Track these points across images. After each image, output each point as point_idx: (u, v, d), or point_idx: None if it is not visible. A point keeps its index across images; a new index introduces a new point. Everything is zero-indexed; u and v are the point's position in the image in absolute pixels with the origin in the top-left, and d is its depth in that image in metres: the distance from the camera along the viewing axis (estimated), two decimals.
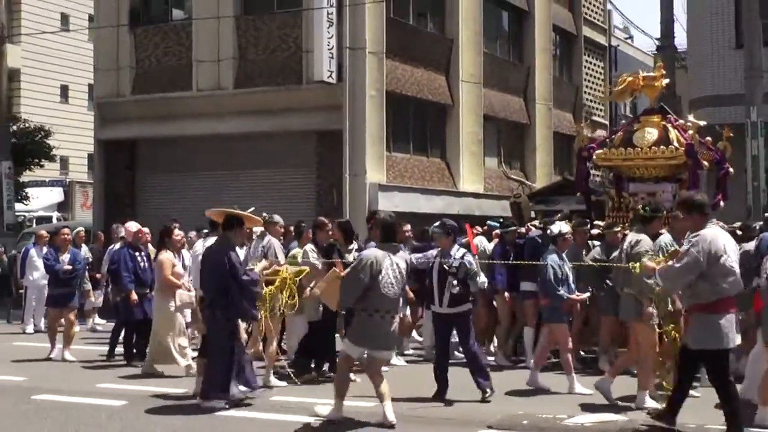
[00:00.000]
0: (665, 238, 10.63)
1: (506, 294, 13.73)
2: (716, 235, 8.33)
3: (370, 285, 9.12)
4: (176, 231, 13.47)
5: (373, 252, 9.37)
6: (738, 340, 8.91)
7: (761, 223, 13.48)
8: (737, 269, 8.34)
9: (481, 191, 29.27)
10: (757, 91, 18.55)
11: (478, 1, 29.71)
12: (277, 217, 12.88)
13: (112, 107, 28.14)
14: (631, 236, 10.44)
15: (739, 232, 12.49)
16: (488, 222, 16.25)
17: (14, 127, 29.73)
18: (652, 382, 10.16)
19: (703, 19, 22.12)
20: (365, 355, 9.33)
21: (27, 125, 30.92)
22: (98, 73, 28.58)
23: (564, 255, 11.50)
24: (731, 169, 14.92)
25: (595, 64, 39.25)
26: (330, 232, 12.68)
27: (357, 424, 9.07)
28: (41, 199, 38.75)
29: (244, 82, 26.15)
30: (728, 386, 8.30)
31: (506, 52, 32.95)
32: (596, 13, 40.04)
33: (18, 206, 29.93)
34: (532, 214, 23.94)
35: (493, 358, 13.55)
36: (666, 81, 15.36)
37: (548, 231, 12.16)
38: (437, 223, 11.26)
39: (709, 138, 15.17)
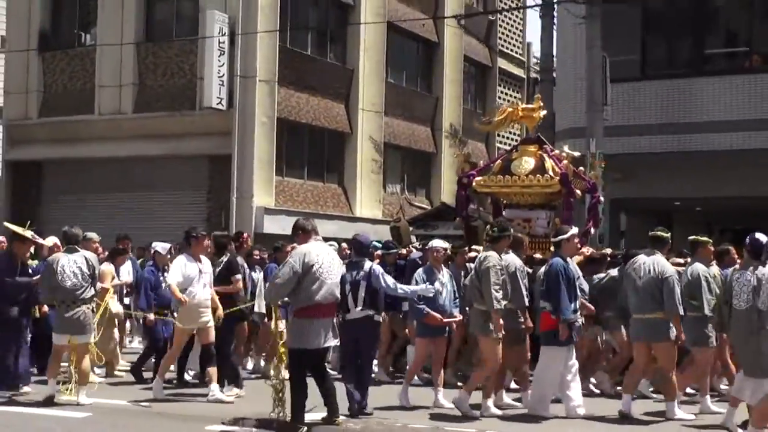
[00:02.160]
0: (514, 258, 11.35)
1: (383, 314, 13.28)
2: (310, 249, 9.60)
3: None
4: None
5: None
6: (331, 342, 9.87)
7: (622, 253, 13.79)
8: (331, 279, 9.61)
9: (379, 217, 30.25)
10: (597, 124, 19.64)
11: (382, 33, 30.81)
12: (91, 234, 13.81)
13: (19, 129, 29.09)
14: (481, 254, 11.07)
15: (608, 258, 13.24)
16: (373, 243, 16.79)
17: None
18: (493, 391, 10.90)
19: (566, 52, 23.29)
20: None
21: None
22: (8, 96, 29.54)
23: (442, 272, 11.68)
24: (602, 197, 15.65)
25: (511, 95, 40.42)
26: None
27: None
28: None
29: (143, 107, 27.18)
30: (324, 381, 9.66)
31: (414, 82, 34.08)
32: (514, 45, 41.29)
33: None
34: (413, 239, 24.93)
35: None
36: (544, 112, 15.95)
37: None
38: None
39: (581, 168, 15.98)
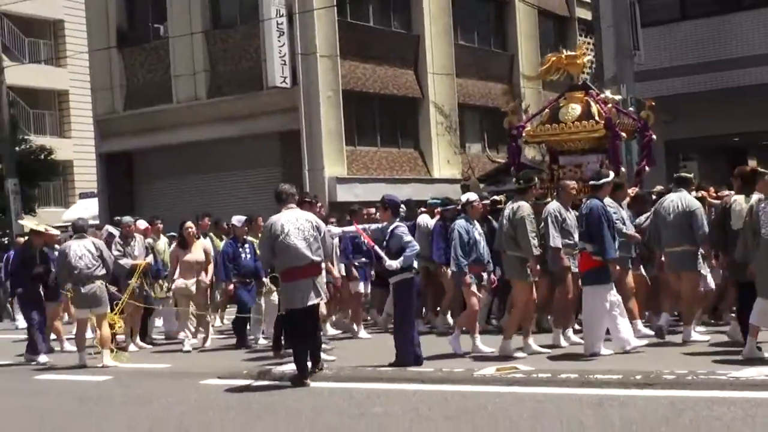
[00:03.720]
0: (553, 205, 12.04)
1: (444, 268, 14.07)
2: (275, 220, 10.31)
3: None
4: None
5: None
6: (314, 300, 10.32)
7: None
8: (301, 244, 10.13)
9: (457, 176, 30.87)
10: (627, 69, 19.79)
11: None
12: (126, 219, 15.01)
13: (108, 123, 30.84)
14: (512, 204, 11.58)
15: (653, 197, 13.50)
16: (429, 201, 17.00)
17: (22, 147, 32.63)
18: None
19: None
20: None
21: (29, 146, 33.86)
22: (95, 93, 31.33)
23: (475, 222, 12.05)
24: (654, 136, 15.59)
25: (593, 44, 40.18)
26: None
27: None
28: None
29: (215, 92, 28.50)
30: (314, 338, 10.43)
31: (486, 41, 34.43)
32: None
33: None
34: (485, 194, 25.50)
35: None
36: (588, 58, 16.30)
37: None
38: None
39: (631, 108, 16.24)
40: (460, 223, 11.78)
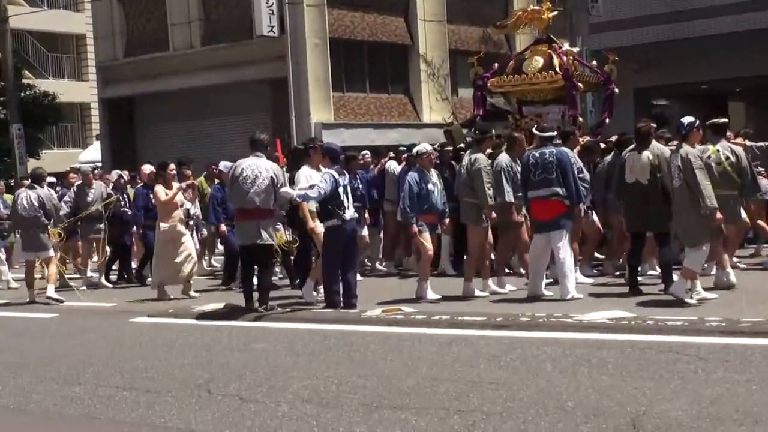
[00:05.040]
0: (504, 158, 12.65)
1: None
2: (239, 164, 11.50)
3: None
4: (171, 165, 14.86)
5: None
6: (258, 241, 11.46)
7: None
8: (252, 189, 11.30)
9: (449, 121, 31.67)
10: (582, 22, 20.63)
11: None
12: (85, 168, 16.32)
13: (110, 70, 32.03)
14: (471, 155, 12.26)
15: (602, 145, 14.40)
16: (399, 147, 18.13)
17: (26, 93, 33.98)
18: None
19: None
20: None
21: (34, 91, 35.17)
22: (97, 41, 32.49)
23: (432, 171, 12.39)
24: (616, 89, 16.52)
25: None
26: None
27: None
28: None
29: (209, 40, 29.55)
30: (262, 276, 11.66)
31: None
32: None
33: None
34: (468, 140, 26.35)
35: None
36: (554, 13, 16.91)
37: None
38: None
39: (594, 62, 17.18)
40: (411, 174, 12.22)
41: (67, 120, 46.33)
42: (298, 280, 13.30)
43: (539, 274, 11.78)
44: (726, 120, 12.67)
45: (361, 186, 13.88)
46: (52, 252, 13.97)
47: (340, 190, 11.23)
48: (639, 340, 8.52)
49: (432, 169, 12.34)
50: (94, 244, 16.08)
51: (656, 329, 8.94)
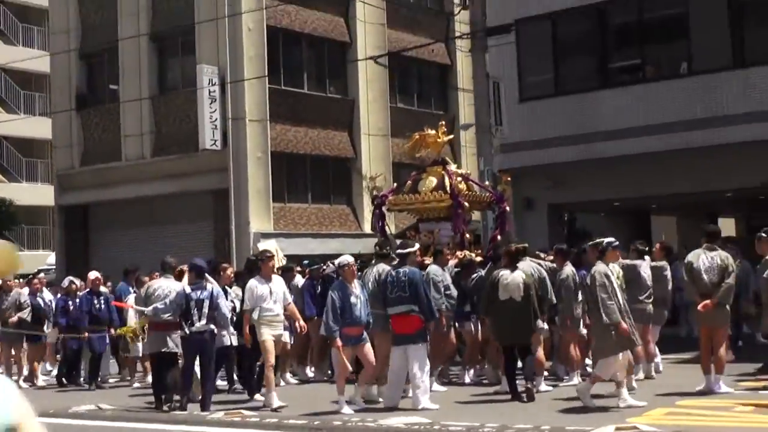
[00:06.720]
0: (433, 268, 14.04)
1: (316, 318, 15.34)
2: (151, 284, 13.70)
3: None
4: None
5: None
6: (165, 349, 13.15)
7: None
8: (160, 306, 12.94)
9: (394, 231, 33.09)
10: (485, 144, 22.09)
11: (384, 73, 33.79)
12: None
13: (67, 178, 33.57)
14: (377, 267, 13.18)
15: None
16: (303, 262, 18.84)
17: None
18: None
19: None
20: None
21: None
22: (56, 150, 34.13)
23: (354, 283, 12.75)
24: (508, 208, 18.09)
25: None
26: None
27: None
28: None
29: (159, 152, 31.16)
30: (165, 378, 13.12)
31: (427, 103, 36.84)
32: None
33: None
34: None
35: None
36: (449, 137, 18.62)
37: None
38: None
39: (487, 182, 18.54)
40: (333, 288, 12.43)
41: (37, 223, 47.87)
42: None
43: (398, 385, 12.33)
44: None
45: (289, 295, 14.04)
46: None
47: (192, 303, 12.51)
48: None
49: (354, 281, 12.43)
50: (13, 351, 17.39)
51: None
